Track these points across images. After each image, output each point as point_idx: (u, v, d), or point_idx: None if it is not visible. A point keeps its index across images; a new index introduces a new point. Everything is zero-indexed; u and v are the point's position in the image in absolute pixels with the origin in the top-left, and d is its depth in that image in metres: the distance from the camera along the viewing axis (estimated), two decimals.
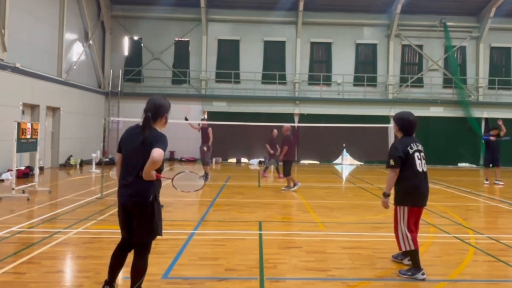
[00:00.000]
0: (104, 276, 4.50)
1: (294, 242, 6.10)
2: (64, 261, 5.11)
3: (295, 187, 11.44)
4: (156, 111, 3.66)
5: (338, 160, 22.80)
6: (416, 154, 4.67)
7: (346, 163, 22.69)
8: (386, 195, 4.76)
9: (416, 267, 4.63)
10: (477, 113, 22.64)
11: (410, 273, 4.61)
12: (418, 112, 21.96)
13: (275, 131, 14.61)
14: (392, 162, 4.68)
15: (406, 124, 4.82)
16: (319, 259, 5.26)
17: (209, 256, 5.32)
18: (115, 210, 8.26)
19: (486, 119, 22.83)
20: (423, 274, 4.57)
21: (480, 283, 4.60)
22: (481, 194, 11.72)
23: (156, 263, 4.92)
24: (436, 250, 5.85)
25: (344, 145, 22.47)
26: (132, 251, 3.71)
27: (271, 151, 14.56)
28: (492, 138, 13.67)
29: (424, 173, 4.71)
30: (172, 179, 3.85)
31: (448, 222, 7.65)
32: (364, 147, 22.10)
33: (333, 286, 4.38)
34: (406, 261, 5.00)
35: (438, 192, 11.84)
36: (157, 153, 3.37)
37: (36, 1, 15.91)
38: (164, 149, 3.46)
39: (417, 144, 4.77)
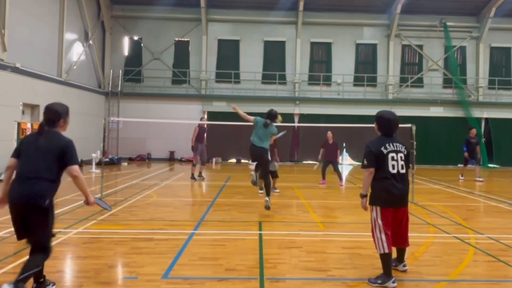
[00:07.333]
0: (105, 276, 4.54)
1: (294, 242, 6.08)
2: (64, 261, 5.10)
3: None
4: (52, 117, 3.86)
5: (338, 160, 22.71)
6: (391, 155, 4.48)
7: (346, 163, 22.68)
8: (362, 196, 4.62)
9: (386, 274, 4.34)
10: (477, 113, 22.64)
11: (380, 281, 4.31)
12: (418, 112, 22.07)
13: None
14: (365, 162, 4.57)
15: (384, 124, 4.69)
16: (319, 259, 5.26)
17: (209, 256, 5.31)
18: (115, 210, 8.26)
19: (486, 119, 22.84)
20: (393, 282, 4.30)
21: (480, 283, 4.59)
22: (481, 194, 11.72)
23: (156, 263, 4.92)
24: (436, 250, 5.84)
25: (344, 145, 22.45)
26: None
27: None
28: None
29: (399, 175, 4.47)
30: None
31: (448, 222, 7.64)
32: (364, 147, 22.07)
33: (333, 286, 4.37)
34: (401, 267, 4.79)
35: (438, 192, 11.84)
36: (76, 172, 3.80)
37: (36, 1, 15.91)
38: (77, 161, 3.85)
39: (395, 144, 4.55)
